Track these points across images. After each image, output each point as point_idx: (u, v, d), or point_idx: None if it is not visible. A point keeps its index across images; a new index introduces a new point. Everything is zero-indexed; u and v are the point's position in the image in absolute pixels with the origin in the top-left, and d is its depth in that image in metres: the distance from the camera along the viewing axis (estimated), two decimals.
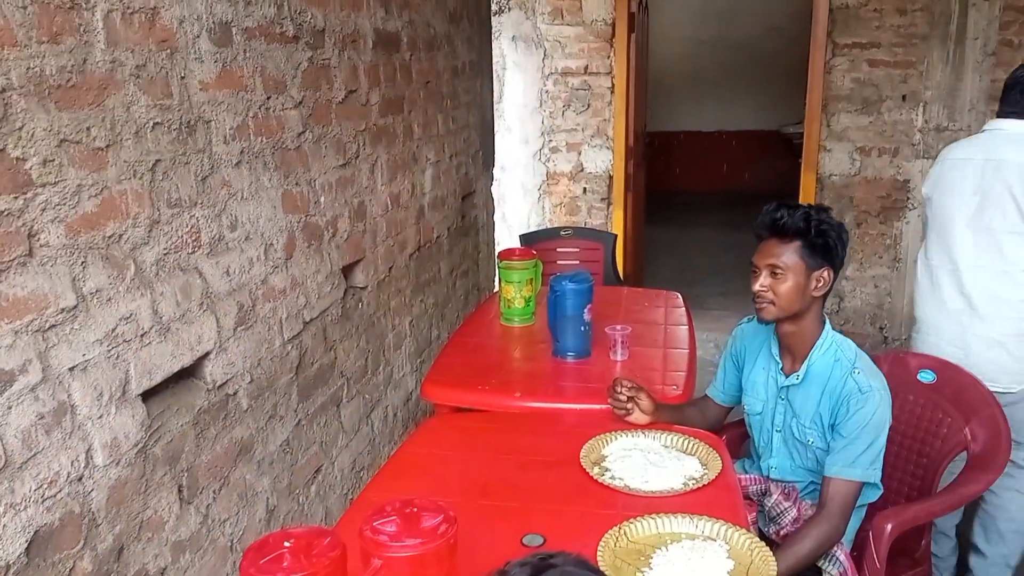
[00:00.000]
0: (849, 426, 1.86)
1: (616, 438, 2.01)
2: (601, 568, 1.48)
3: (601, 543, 1.56)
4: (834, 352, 1.94)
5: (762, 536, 1.87)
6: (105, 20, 1.40)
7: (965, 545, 2.63)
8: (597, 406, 2.18)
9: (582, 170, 5.06)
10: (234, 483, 1.90)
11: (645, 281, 5.56)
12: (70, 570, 1.38)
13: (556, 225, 4.96)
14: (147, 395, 1.57)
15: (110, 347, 1.44)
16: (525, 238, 4.12)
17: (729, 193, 8.84)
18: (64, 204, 1.33)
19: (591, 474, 1.84)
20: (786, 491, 2.00)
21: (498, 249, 4.47)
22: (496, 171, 4.68)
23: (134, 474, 1.53)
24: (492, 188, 4.53)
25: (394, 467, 1.99)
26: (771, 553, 1.53)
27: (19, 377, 1.25)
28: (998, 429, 2.09)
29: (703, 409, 2.24)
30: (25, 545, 1.27)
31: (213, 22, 1.73)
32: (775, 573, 1.49)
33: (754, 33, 8.62)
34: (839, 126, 4.50)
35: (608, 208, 5.06)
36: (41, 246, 1.29)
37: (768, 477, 2.07)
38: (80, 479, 1.39)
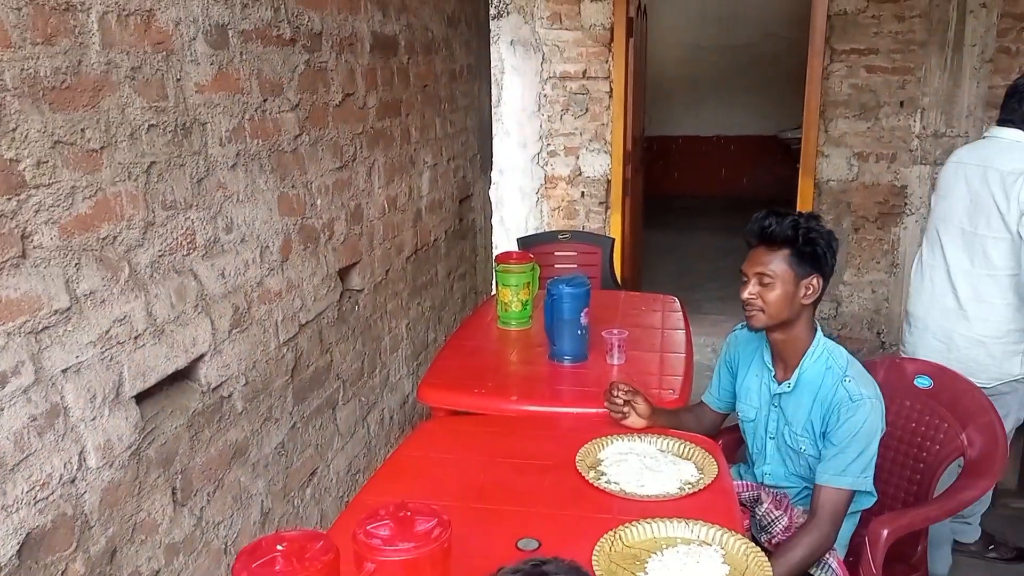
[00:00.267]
0: (840, 434, 1.86)
1: (612, 442, 2.00)
2: (596, 573, 1.48)
3: (596, 547, 1.55)
4: (825, 360, 1.94)
5: (755, 543, 1.86)
6: (100, 22, 1.40)
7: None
8: (593, 410, 2.17)
9: (580, 174, 5.07)
10: (228, 485, 1.90)
11: (643, 285, 5.56)
12: (62, 572, 1.37)
13: (554, 229, 4.96)
14: (141, 397, 1.56)
15: (104, 349, 1.44)
16: (523, 242, 4.12)
17: (727, 198, 8.84)
18: (58, 206, 1.32)
19: (587, 478, 1.84)
20: (777, 499, 2.00)
21: (495, 252, 4.47)
22: (494, 175, 4.68)
23: (127, 476, 1.53)
24: (490, 191, 4.53)
25: (390, 470, 1.98)
26: (766, 558, 1.53)
27: (11, 379, 1.25)
28: (995, 435, 2.09)
29: (699, 415, 2.24)
30: (17, 547, 1.26)
31: (209, 24, 1.73)
32: None
33: (752, 38, 8.64)
34: (837, 132, 4.51)
35: (606, 212, 5.07)
36: (34, 247, 1.28)
37: (761, 484, 2.07)
38: (73, 481, 1.39)
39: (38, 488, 1.31)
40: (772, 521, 1.97)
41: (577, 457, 1.92)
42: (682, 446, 1.98)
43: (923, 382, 2.27)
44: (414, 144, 3.11)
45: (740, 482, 2.07)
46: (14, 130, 1.23)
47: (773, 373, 2.03)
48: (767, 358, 2.04)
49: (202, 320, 1.75)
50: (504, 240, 5.04)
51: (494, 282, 3.00)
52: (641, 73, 5.33)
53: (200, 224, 1.73)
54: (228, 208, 1.84)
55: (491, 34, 4.60)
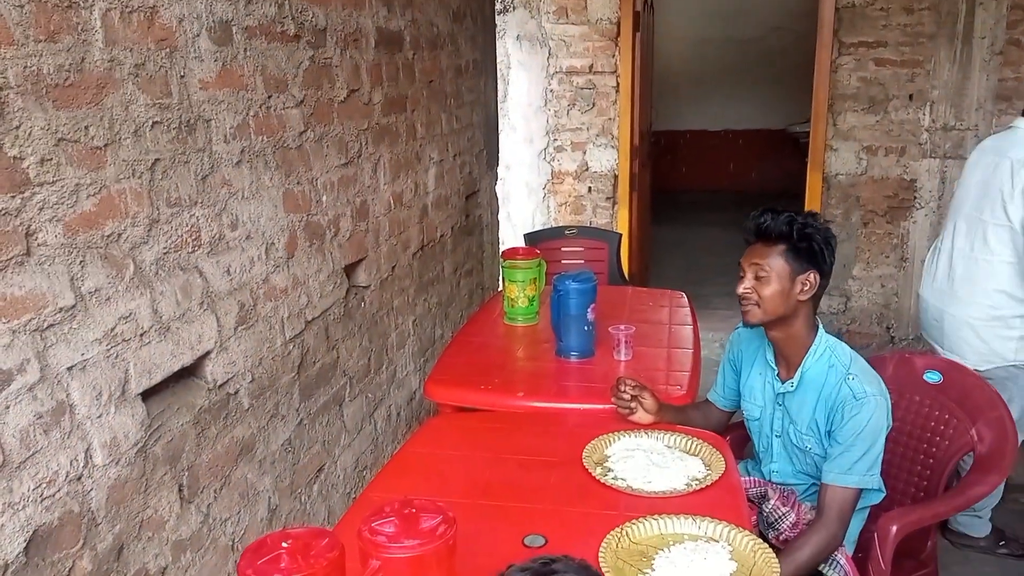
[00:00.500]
0: (844, 432, 1.85)
1: (619, 438, 2.00)
2: (603, 570, 1.47)
3: (603, 544, 1.55)
4: (828, 358, 1.93)
5: (763, 540, 1.85)
6: (103, 19, 1.40)
7: None
8: (600, 406, 2.17)
9: (587, 169, 5.05)
10: (235, 482, 1.90)
11: (650, 281, 5.54)
12: (69, 569, 1.37)
13: (561, 224, 4.95)
14: (147, 394, 1.57)
15: (109, 346, 1.44)
16: (529, 237, 4.11)
17: (735, 192, 8.79)
18: (62, 203, 1.32)
19: (593, 474, 1.83)
20: (784, 496, 1.99)
21: (502, 248, 4.47)
22: (501, 170, 4.67)
23: (134, 473, 1.53)
24: (496, 187, 4.52)
25: (396, 466, 1.98)
26: (774, 555, 1.52)
27: (17, 376, 1.25)
28: (1005, 430, 2.07)
29: (706, 412, 2.23)
30: (24, 544, 1.26)
31: (213, 21, 1.72)
32: (778, 575, 1.47)
33: (760, 32, 8.59)
34: (845, 125, 4.48)
35: (613, 207, 5.05)
36: (39, 245, 1.28)
37: (769, 481, 2.06)
38: (79, 478, 1.39)
39: (45, 485, 1.31)
40: (779, 517, 1.96)
41: (584, 453, 1.91)
42: (689, 442, 1.97)
43: (932, 377, 2.26)
44: (420, 140, 3.11)
45: (747, 478, 2.06)
46: (18, 128, 1.23)
47: (776, 372, 2.02)
48: (770, 357, 2.03)
49: (208, 317, 1.75)
50: (511, 236, 5.03)
51: (501, 278, 3.00)
52: (648, 67, 5.31)
53: (205, 221, 1.73)
54: (233, 205, 1.84)
55: (497, 29, 4.59)
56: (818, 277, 1.89)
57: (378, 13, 2.63)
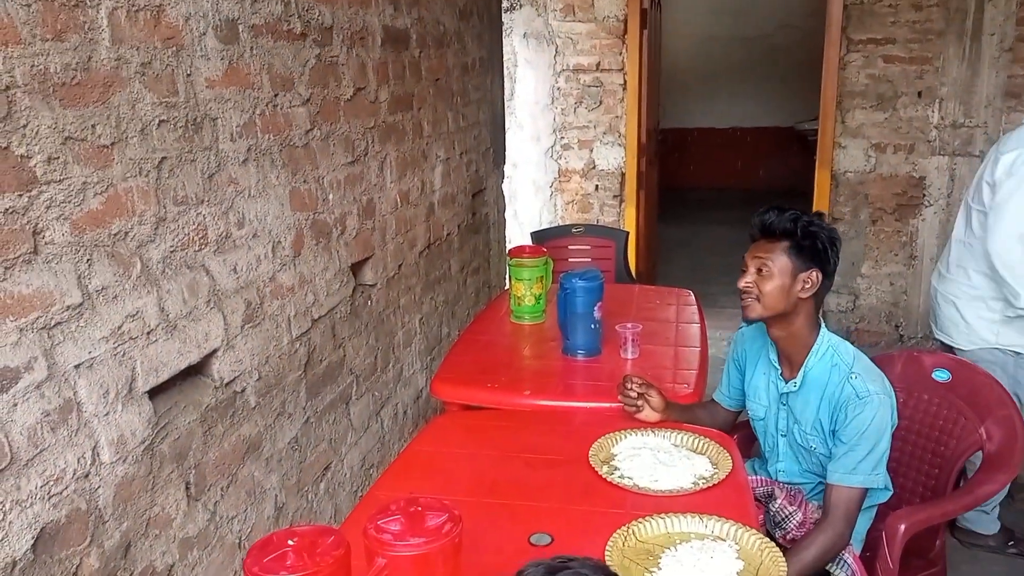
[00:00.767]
0: (848, 432, 1.84)
1: (625, 437, 1.99)
2: (610, 568, 1.47)
3: (609, 542, 1.54)
4: (831, 357, 1.92)
5: (770, 539, 1.85)
6: (110, 17, 1.40)
7: None
8: (607, 404, 2.16)
9: (594, 167, 5.04)
10: (242, 480, 1.90)
11: (658, 279, 5.53)
12: (77, 567, 1.38)
13: (568, 222, 4.94)
14: (154, 392, 1.57)
15: (116, 344, 1.44)
16: (536, 235, 4.11)
17: (743, 190, 8.78)
18: (69, 201, 1.33)
19: (600, 473, 1.83)
20: (791, 494, 1.98)
21: (509, 246, 4.46)
22: (507, 168, 4.66)
23: (141, 471, 1.53)
24: (503, 185, 4.52)
25: (403, 465, 1.98)
26: (781, 554, 1.51)
27: (24, 374, 1.25)
28: (1014, 429, 2.06)
29: (712, 412, 2.23)
30: (32, 542, 1.27)
31: (219, 19, 1.73)
32: (785, 574, 1.47)
33: (768, 29, 8.56)
34: (854, 123, 4.46)
35: (620, 205, 5.04)
36: (46, 243, 1.29)
37: (776, 480, 2.05)
38: (87, 476, 1.39)
39: (52, 483, 1.31)
40: (786, 517, 1.95)
41: (590, 452, 1.91)
42: (696, 440, 1.97)
43: (941, 375, 2.25)
44: (426, 138, 3.11)
45: (754, 477, 2.06)
46: (25, 126, 1.24)
47: (779, 371, 2.01)
48: (773, 357, 2.03)
49: (214, 315, 1.75)
50: (518, 234, 5.03)
51: (507, 276, 3.00)
52: (655, 65, 5.29)
53: (211, 219, 1.73)
54: (240, 203, 1.84)
55: (504, 27, 4.58)
56: (820, 276, 1.89)
57: (384, 11, 2.63)
